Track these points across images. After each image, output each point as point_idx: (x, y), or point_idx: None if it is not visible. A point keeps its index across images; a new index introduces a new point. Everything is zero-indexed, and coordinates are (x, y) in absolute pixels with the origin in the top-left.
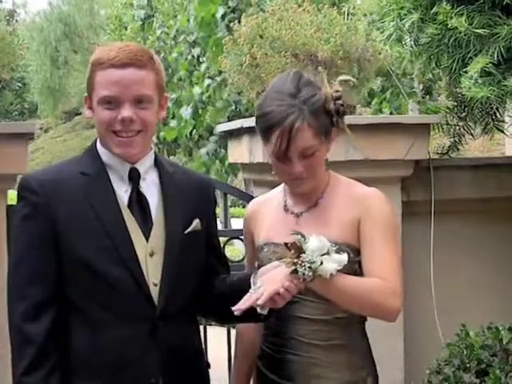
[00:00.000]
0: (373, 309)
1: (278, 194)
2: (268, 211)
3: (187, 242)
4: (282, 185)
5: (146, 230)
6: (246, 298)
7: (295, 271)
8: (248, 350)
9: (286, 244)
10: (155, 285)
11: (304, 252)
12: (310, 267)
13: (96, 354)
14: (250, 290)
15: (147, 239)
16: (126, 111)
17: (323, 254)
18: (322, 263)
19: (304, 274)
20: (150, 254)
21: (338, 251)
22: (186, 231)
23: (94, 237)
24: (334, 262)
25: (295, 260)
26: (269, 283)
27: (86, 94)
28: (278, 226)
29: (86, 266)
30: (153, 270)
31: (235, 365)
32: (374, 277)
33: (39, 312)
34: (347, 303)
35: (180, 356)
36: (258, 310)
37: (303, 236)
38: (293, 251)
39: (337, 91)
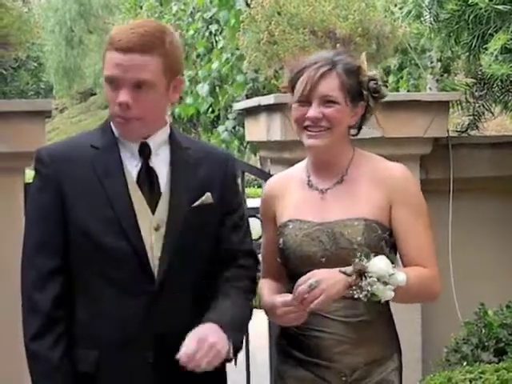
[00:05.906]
0: (423, 298)
1: (300, 171)
2: (290, 188)
3: (193, 216)
4: (304, 162)
5: (153, 203)
6: (295, 296)
7: (352, 289)
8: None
9: (343, 272)
10: (157, 258)
11: (366, 276)
12: (366, 295)
13: (95, 325)
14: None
15: (153, 213)
16: (122, 96)
17: (384, 282)
18: (378, 295)
19: (360, 296)
20: (156, 228)
21: (395, 273)
22: (194, 204)
23: (99, 208)
24: (391, 290)
25: (354, 286)
26: (326, 285)
27: None
28: (303, 202)
29: (87, 237)
30: (157, 244)
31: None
32: (414, 263)
33: (46, 281)
34: (403, 301)
35: (174, 332)
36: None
37: (366, 257)
38: (354, 276)
39: (374, 74)
